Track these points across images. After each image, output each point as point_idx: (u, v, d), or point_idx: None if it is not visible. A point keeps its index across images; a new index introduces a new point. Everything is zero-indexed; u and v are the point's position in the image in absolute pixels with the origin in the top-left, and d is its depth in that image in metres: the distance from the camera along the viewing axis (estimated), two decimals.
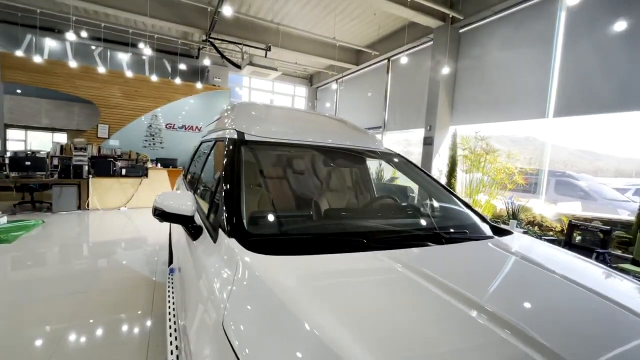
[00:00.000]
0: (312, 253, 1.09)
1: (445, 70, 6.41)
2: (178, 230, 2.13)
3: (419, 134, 8.13)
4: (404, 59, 7.90)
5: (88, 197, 6.51)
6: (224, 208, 1.26)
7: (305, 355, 0.68)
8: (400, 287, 0.95)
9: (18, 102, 8.82)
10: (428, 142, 6.92)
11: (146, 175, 7.17)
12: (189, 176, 3.05)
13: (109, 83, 8.62)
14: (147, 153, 8.94)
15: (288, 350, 0.69)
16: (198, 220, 1.49)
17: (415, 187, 2.46)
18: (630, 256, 3.58)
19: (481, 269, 1.16)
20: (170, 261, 3.27)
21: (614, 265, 3.40)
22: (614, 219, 4.59)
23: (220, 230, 1.20)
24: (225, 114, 2.56)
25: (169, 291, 2.45)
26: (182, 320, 1.24)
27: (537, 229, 4.93)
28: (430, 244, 1.27)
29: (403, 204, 1.98)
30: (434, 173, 6.66)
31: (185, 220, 1.36)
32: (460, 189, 6.27)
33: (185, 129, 9.67)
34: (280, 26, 7.81)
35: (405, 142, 9.38)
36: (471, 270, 1.14)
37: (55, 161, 7.45)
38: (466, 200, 1.96)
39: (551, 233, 4.77)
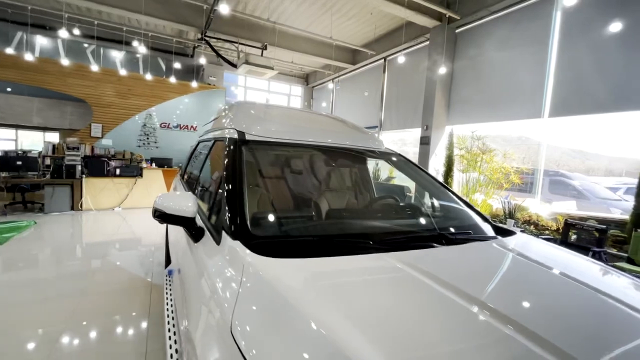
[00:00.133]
0: (319, 255, 1.07)
1: (442, 70, 6.43)
2: (176, 230, 2.10)
3: (414, 133, 8.16)
4: (400, 59, 7.91)
5: (81, 197, 6.40)
6: (227, 210, 1.23)
7: None
8: (409, 289, 0.94)
9: (8, 100, 8.64)
10: (425, 141, 6.94)
11: (141, 175, 7.08)
12: (186, 176, 3.00)
13: (102, 81, 8.49)
14: (141, 153, 8.83)
15: (299, 355, 0.68)
16: (199, 221, 1.46)
17: (412, 187, 2.46)
18: (626, 254, 3.62)
19: (489, 270, 1.15)
20: (168, 262, 3.23)
21: (610, 263, 3.43)
22: (608, 218, 4.64)
23: (223, 232, 1.18)
24: (223, 114, 2.53)
25: (167, 293, 2.41)
26: (184, 324, 1.21)
27: (533, 228, 4.97)
28: (435, 245, 1.26)
29: (406, 204, 1.97)
30: (431, 173, 6.67)
31: (186, 222, 1.33)
32: (457, 188, 6.30)
33: (181, 128, 9.57)
34: (276, 25, 7.76)
35: (401, 141, 9.40)
36: (479, 271, 1.13)
37: (48, 161, 7.32)
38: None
39: (547, 232, 4.82)
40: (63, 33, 6.61)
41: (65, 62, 7.88)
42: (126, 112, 8.83)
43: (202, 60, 9.30)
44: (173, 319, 2.06)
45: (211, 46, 8.12)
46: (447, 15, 6.41)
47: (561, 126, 5.29)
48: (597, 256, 3.50)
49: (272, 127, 1.90)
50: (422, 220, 1.66)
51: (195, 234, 1.36)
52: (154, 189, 7.32)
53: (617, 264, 3.34)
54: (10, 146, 9.21)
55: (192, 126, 9.71)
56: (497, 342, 0.75)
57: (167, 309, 2.19)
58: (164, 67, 10.55)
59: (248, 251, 1.04)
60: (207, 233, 1.35)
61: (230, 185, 1.35)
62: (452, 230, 1.47)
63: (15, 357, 2.09)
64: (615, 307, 0.98)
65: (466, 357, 0.70)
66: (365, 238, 1.25)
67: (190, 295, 1.20)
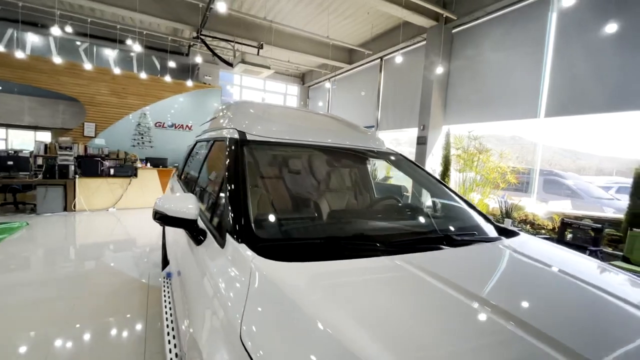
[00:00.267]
0: (327, 259, 1.05)
1: (439, 70, 6.45)
2: (175, 232, 2.06)
3: (408, 133, 8.19)
4: (397, 59, 7.92)
5: (75, 198, 6.30)
6: (232, 212, 1.20)
7: None
8: (422, 293, 0.93)
9: None
10: (421, 141, 6.95)
11: (135, 175, 6.99)
12: (184, 177, 2.96)
13: (95, 80, 8.36)
14: (135, 152, 8.71)
15: None
16: (200, 223, 1.43)
17: (409, 186, 2.46)
18: (621, 253, 3.67)
19: (500, 273, 1.15)
20: (164, 264, 3.18)
21: (606, 262, 3.47)
22: (603, 217, 4.70)
23: (227, 235, 1.15)
24: (222, 113, 2.49)
25: (165, 296, 2.37)
26: (186, 329, 1.18)
27: (530, 227, 5.01)
28: (442, 246, 1.25)
29: (409, 205, 1.96)
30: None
31: (188, 225, 1.30)
32: (454, 188, 6.32)
33: (176, 127, 9.48)
34: (273, 24, 7.71)
35: (395, 141, 9.41)
36: (490, 274, 1.13)
37: (40, 161, 7.18)
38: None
39: (543, 231, 4.86)
40: (56, 30, 6.48)
41: (57, 60, 7.74)
42: (120, 111, 8.71)
43: (198, 59, 9.22)
44: (172, 322, 2.03)
45: (207, 45, 8.04)
46: (444, 15, 6.42)
47: (554, 126, 5.34)
48: (593, 255, 3.54)
49: (273, 127, 1.87)
50: (428, 222, 1.65)
51: (197, 236, 1.33)
52: (149, 189, 7.23)
53: (613, 262, 3.37)
54: (0, 146, 9.04)
55: (187, 125, 9.62)
56: (514, 345, 0.74)
57: (166, 312, 2.16)
58: (158, 65, 10.43)
59: (255, 255, 1.01)
60: (209, 235, 1.32)
61: (233, 187, 1.32)
62: (457, 231, 1.46)
63: None
64: (624, 307, 0.98)
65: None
66: (373, 241, 1.23)
67: (193, 299, 1.17)
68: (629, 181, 6.73)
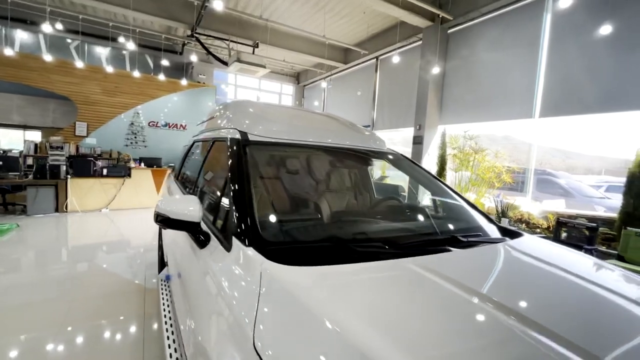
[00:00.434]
0: (338, 262, 1.03)
1: (435, 70, 6.47)
2: (174, 234, 2.02)
3: (403, 133, 8.21)
4: (393, 58, 7.92)
5: (66, 198, 6.17)
6: (238, 215, 1.17)
7: None
8: (437, 296, 0.92)
9: None
10: (417, 141, 6.98)
11: (129, 175, 6.88)
12: (181, 177, 2.91)
13: (87, 78, 8.19)
14: (129, 152, 8.58)
15: None
16: (203, 226, 1.39)
17: (405, 186, 2.46)
18: (615, 252, 3.72)
19: (511, 274, 1.15)
20: (161, 266, 3.13)
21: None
22: (597, 216, 4.77)
23: (234, 239, 1.12)
24: (220, 113, 2.45)
25: (163, 299, 2.33)
26: (190, 333, 1.16)
27: (525, 226, 5.06)
28: (450, 248, 1.24)
29: (413, 205, 1.95)
30: None
31: (191, 227, 1.27)
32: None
33: (170, 127, 9.35)
34: (268, 22, 7.66)
35: (390, 141, 9.38)
36: (502, 275, 1.13)
37: (30, 161, 7.03)
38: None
39: (538, 230, 4.91)
40: (47, 27, 6.32)
41: (48, 58, 7.58)
42: (112, 110, 8.56)
43: (194, 58, 9.12)
44: (172, 325, 1.99)
45: (201, 43, 7.96)
46: (439, 16, 6.45)
47: (546, 126, 5.40)
48: (588, 254, 3.57)
49: (273, 127, 1.85)
50: (433, 223, 1.64)
51: (201, 239, 1.29)
52: (143, 189, 7.13)
53: (609, 261, 3.42)
54: None
55: (181, 125, 9.50)
56: (536, 349, 0.74)
57: (165, 315, 2.12)
58: (151, 64, 10.29)
59: (264, 259, 0.99)
60: (213, 238, 1.29)
61: (238, 189, 1.29)
62: (463, 232, 1.46)
63: None
64: (633, 306, 0.99)
65: None
66: (383, 243, 1.22)
67: (198, 303, 1.14)
68: (618, 180, 6.85)
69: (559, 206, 5.87)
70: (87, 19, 7.83)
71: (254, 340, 0.73)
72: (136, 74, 8.46)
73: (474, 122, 6.28)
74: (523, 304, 0.91)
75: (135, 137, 8.87)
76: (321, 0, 7.08)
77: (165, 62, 9.35)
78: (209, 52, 8.26)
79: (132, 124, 8.81)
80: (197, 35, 7.69)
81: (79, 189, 6.32)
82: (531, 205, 5.56)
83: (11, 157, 6.32)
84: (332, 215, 1.56)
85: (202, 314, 1.06)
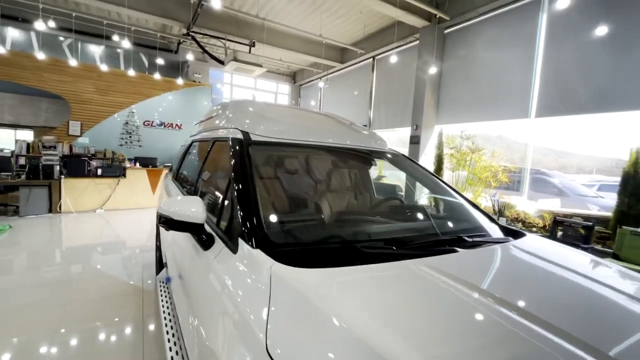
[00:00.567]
0: (347, 264, 1.02)
1: (432, 70, 6.50)
2: (172, 234, 1.99)
3: (398, 132, 8.23)
4: (389, 58, 7.94)
5: (60, 199, 6.08)
6: (244, 216, 1.16)
7: None
8: (451, 298, 0.91)
9: None
10: (414, 140, 7.00)
11: (124, 175, 6.80)
12: (180, 177, 2.88)
13: (81, 77, 8.08)
14: (123, 152, 8.48)
15: None
16: (206, 227, 1.37)
17: (403, 186, 2.46)
18: (611, 250, 3.77)
19: (522, 274, 1.16)
20: (159, 267, 3.09)
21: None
22: (592, 215, 4.82)
23: (240, 240, 1.10)
24: (217, 113, 2.43)
25: (162, 301, 2.30)
26: (194, 335, 1.14)
27: (521, 225, 5.10)
28: (457, 249, 1.24)
29: (417, 206, 1.95)
30: None
31: (195, 229, 1.25)
32: None
33: (165, 126, 9.26)
34: (265, 21, 7.62)
35: (386, 140, 9.41)
36: (513, 276, 1.13)
37: (22, 160, 6.91)
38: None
39: (534, 229, 4.96)
40: (40, 25, 6.21)
41: (41, 56, 7.45)
42: (107, 109, 8.45)
43: (190, 57, 9.04)
44: (172, 327, 1.97)
45: (197, 42, 7.89)
46: (436, 16, 6.47)
47: (541, 126, 5.45)
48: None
49: (275, 126, 1.83)
50: (439, 223, 1.64)
51: (204, 240, 1.27)
52: (139, 189, 7.05)
53: (605, 259, 3.46)
54: None
55: (176, 124, 9.42)
56: (556, 352, 0.74)
57: (165, 317, 2.09)
58: (146, 63, 10.17)
59: (273, 261, 0.97)
60: (218, 240, 1.27)
61: (243, 190, 1.27)
62: (468, 233, 1.46)
63: None
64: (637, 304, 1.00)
65: None
66: (391, 244, 1.21)
67: (204, 307, 1.12)
68: (609, 179, 6.95)
69: (553, 205, 5.93)
70: (81, 16, 7.71)
71: (266, 343, 0.72)
72: (131, 72, 8.38)
73: (471, 122, 6.32)
74: (536, 304, 0.91)
75: (130, 137, 8.77)
76: (318, 0, 7.06)
77: (160, 61, 9.25)
78: (205, 51, 8.20)
79: (126, 123, 8.71)
80: (193, 34, 7.62)
81: (73, 190, 6.23)
82: (527, 204, 5.61)
83: (3, 156, 6.22)
84: (337, 216, 1.55)
85: (209, 316, 1.04)
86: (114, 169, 6.75)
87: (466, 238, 1.34)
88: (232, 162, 1.46)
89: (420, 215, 1.75)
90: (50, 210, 6.02)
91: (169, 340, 1.84)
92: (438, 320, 0.82)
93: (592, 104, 4.68)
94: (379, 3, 6.02)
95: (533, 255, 1.29)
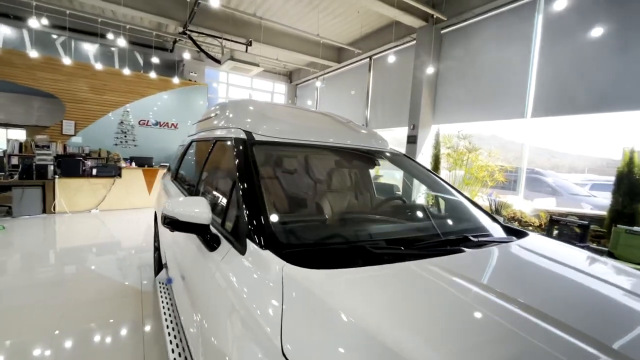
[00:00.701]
0: (357, 265, 1.02)
1: (429, 70, 6.53)
2: (173, 234, 1.97)
3: (393, 132, 8.26)
4: (387, 58, 7.96)
5: (54, 199, 5.99)
6: (251, 216, 1.15)
7: None
8: (465, 298, 0.92)
9: None
10: (411, 140, 7.03)
11: (119, 175, 6.73)
12: (179, 177, 2.85)
13: (74, 76, 7.96)
14: (118, 151, 8.37)
15: None
16: (211, 227, 1.36)
17: (400, 185, 2.47)
18: (605, 249, 3.82)
19: (529, 273, 1.17)
20: (158, 268, 3.06)
21: None
22: (587, 214, 4.89)
23: (248, 241, 1.09)
24: (217, 113, 2.42)
25: (163, 302, 2.28)
26: (199, 337, 1.13)
27: (518, 224, 5.15)
28: (464, 248, 1.24)
29: (421, 206, 1.96)
30: None
31: (201, 230, 1.24)
32: None
33: (160, 125, 9.18)
34: (262, 20, 7.59)
35: None
36: (521, 275, 1.14)
37: (15, 160, 6.79)
38: None
39: (531, 228, 5.01)
40: (32, 23, 6.11)
41: (33, 54, 7.33)
42: (101, 108, 8.34)
43: (186, 55, 8.96)
44: (174, 329, 1.95)
45: (194, 41, 7.83)
46: (433, 16, 6.50)
47: (536, 126, 5.51)
48: None
49: (277, 126, 1.82)
50: (443, 223, 1.65)
51: (211, 242, 1.26)
52: (134, 189, 6.98)
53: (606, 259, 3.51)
54: None
55: (172, 124, 9.34)
56: (571, 352, 0.74)
57: (166, 319, 2.07)
58: (141, 61, 10.07)
59: (284, 262, 0.97)
60: (224, 241, 1.26)
61: (249, 190, 1.26)
62: (472, 232, 1.46)
63: None
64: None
65: None
66: (400, 244, 1.21)
67: (211, 308, 1.11)
68: (601, 178, 7.04)
69: (548, 204, 6.00)
70: (75, 14, 7.60)
71: (282, 344, 0.72)
72: (126, 71, 8.28)
73: (467, 122, 6.36)
74: (547, 302, 0.92)
75: (125, 136, 8.67)
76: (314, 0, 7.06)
77: (155, 60, 9.17)
78: (202, 50, 8.13)
79: (121, 122, 8.61)
80: (189, 33, 7.56)
81: (67, 190, 6.14)
82: (523, 203, 5.67)
83: None
84: (344, 216, 1.54)
85: (216, 316, 1.03)
86: (109, 168, 6.67)
87: (472, 238, 1.35)
88: (236, 162, 1.45)
89: (425, 215, 1.76)
90: (44, 211, 5.93)
91: (171, 342, 1.82)
92: (452, 319, 0.82)
93: (586, 104, 4.74)
94: (376, 3, 6.03)
95: (539, 255, 1.30)
